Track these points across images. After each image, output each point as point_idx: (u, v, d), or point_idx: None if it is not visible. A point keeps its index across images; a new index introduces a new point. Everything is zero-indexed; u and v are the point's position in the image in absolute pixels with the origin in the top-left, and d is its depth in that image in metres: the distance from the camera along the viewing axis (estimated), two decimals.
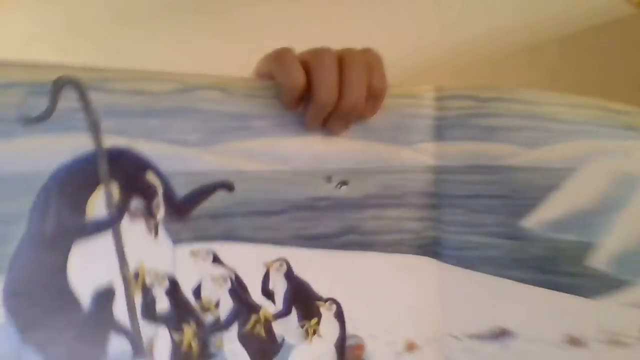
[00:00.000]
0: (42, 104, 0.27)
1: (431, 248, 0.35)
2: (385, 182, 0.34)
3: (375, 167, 0.34)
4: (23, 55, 0.53)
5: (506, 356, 0.35)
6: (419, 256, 0.34)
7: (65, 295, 0.28)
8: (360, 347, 0.32)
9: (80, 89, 0.27)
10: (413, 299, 0.34)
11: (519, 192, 0.36)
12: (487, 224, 0.35)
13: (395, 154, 0.34)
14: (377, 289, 0.33)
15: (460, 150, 0.35)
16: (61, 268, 0.28)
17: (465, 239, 0.35)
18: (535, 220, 0.35)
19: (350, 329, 0.32)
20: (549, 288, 0.35)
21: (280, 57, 0.31)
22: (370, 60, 0.32)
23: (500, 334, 0.35)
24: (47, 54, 0.54)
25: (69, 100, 0.27)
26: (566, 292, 0.35)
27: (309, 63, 0.31)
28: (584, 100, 0.37)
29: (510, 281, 0.35)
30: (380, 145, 0.34)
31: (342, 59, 0.31)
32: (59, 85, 0.27)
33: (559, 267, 0.35)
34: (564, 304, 0.35)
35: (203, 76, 0.30)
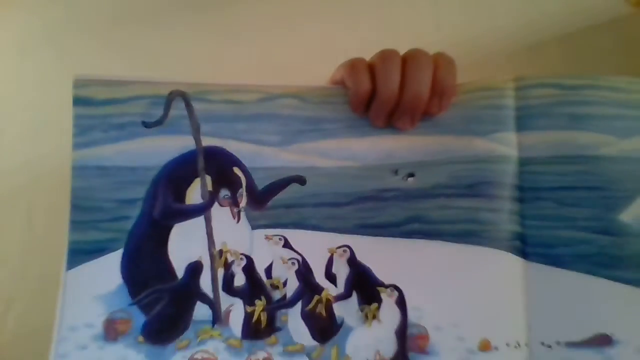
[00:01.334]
0: (158, 112, 0.35)
1: (514, 244, 0.33)
2: (455, 173, 0.34)
3: (444, 158, 0.34)
4: (20, 54, 0.58)
5: None
6: (497, 250, 0.33)
7: (164, 267, 0.34)
8: (423, 337, 0.31)
9: (186, 100, 0.35)
10: (489, 295, 0.32)
11: (614, 184, 0.32)
12: (579, 217, 0.33)
13: (468, 144, 0.34)
14: (444, 280, 0.32)
15: (545, 140, 0.34)
16: (163, 244, 0.34)
17: (554, 234, 0.33)
18: (634, 214, 0.32)
19: (412, 317, 0.32)
20: None
21: (350, 64, 0.35)
22: (436, 60, 0.35)
23: (601, 342, 0.31)
24: (45, 54, 0.59)
25: (178, 109, 0.35)
26: None
27: (374, 65, 0.35)
28: None
29: (610, 281, 0.31)
30: (452, 138, 0.34)
31: (406, 57, 0.34)
32: (171, 98, 0.35)
33: None
34: None
35: (282, 87, 0.36)
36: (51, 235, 0.54)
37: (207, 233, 0.34)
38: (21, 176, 0.57)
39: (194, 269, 0.34)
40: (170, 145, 0.35)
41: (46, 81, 0.59)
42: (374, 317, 0.32)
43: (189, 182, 0.35)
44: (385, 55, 0.34)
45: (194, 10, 0.60)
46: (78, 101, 0.35)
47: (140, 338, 0.32)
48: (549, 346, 0.31)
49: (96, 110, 0.35)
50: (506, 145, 0.34)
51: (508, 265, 0.33)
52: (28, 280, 0.54)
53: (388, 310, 0.32)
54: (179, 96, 0.35)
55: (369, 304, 0.33)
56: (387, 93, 0.33)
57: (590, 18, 0.55)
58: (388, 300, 0.32)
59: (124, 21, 0.60)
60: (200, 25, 0.59)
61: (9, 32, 0.62)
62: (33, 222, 0.56)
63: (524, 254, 0.33)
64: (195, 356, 0.32)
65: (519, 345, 0.31)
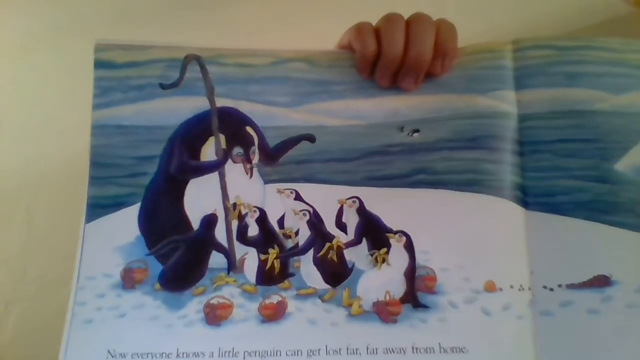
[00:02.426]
0: (174, 74, 0.37)
1: (515, 194, 0.35)
2: (457, 127, 0.36)
3: (447, 114, 0.36)
4: (20, 54, 0.57)
5: (609, 306, 0.32)
6: (499, 198, 0.35)
7: (180, 219, 0.36)
8: (431, 278, 0.33)
9: (201, 63, 0.37)
10: (493, 240, 0.34)
11: (608, 136, 0.35)
12: (575, 167, 0.34)
13: (470, 101, 0.36)
14: (449, 225, 0.34)
15: (543, 97, 0.36)
16: (179, 198, 0.36)
17: (553, 183, 0.35)
18: (627, 164, 0.34)
19: (420, 260, 0.34)
20: None
21: (357, 28, 0.37)
22: (439, 24, 0.37)
23: (600, 283, 0.32)
24: (45, 54, 0.60)
25: (193, 72, 0.37)
26: None
27: (380, 28, 0.37)
28: None
29: (607, 226, 0.33)
30: (454, 96, 0.36)
31: (409, 21, 0.36)
32: (186, 61, 0.37)
33: None
34: None
35: (293, 51, 0.38)
36: (51, 235, 0.55)
37: (221, 187, 0.36)
38: (21, 176, 0.58)
39: (209, 220, 0.35)
40: (185, 106, 0.37)
41: (46, 81, 0.60)
42: (384, 260, 0.34)
43: (203, 140, 0.37)
44: (390, 18, 0.36)
45: (193, 10, 0.62)
46: (99, 64, 0.37)
47: (157, 286, 0.34)
48: (551, 289, 0.33)
49: (116, 72, 0.37)
50: (506, 102, 0.36)
51: (510, 213, 0.34)
52: (28, 280, 0.54)
53: (397, 254, 0.34)
54: (194, 60, 0.37)
55: (379, 249, 0.34)
56: (391, 53, 0.35)
57: (589, 18, 0.57)
58: (396, 245, 0.34)
59: (124, 21, 0.61)
60: (200, 25, 0.61)
61: (9, 32, 0.63)
62: (33, 222, 0.56)
63: (525, 203, 0.35)
64: (211, 301, 0.33)
65: (522, 288, 0.33)
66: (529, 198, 0.35)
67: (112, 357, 0.32)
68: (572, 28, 0.56)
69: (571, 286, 0.33)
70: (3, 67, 0.61)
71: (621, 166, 0.34)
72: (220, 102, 0.37)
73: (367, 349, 0.32)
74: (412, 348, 0.32)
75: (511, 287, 0.33)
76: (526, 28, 0.57)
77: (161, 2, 0.62)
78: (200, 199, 0.36)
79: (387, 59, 0.36)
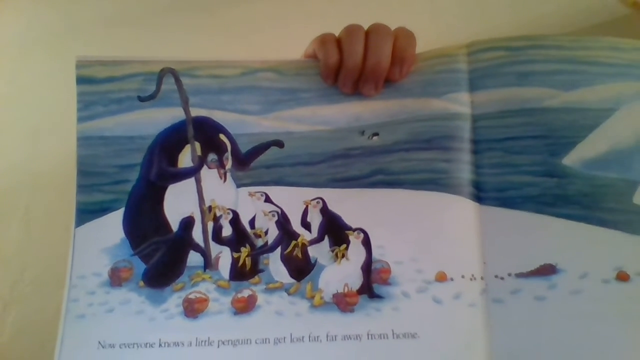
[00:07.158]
0: (151, 87, 0.41)
1: (469, 190, 0.38)
2: (414, 130, 0.40)
3: (404, 118, 0.40)
4: (20, 54, 0.60)
5: (554, 293, 0.36)
6: (453, 195, 0.39)
7: (160, 222, 0.40)
8: (385, 271, 0.37)
9: (175, 75, 0.41)
10: (446, 234, 0.38)
11: (557, 132, 0.38)
12: (526, 163, 0.38)
13: (425, 104, 0.40)
14: (404, 222, 0.38)
15: (495, 97, 0.39)
16: (159, 203, 0.41)
17: (504, 179, 0.38)
18: (575, 158, 0.37)
19: (376, 254, 0.38)
20: (593, 224, 0.36)
21: (321, 39, 0.41)
22: (397, 32, 0.41)
23: (546, 271, 0.36)
24: (45, 54, 0.63)
25: (168, 84, 0.41)
26: (612, 229, 0.35)
27: (341, 39, 0.41)
28: (625, 43, 0.39)
29: (554, 217, 0.37)
30: (411, 100, 0.40)
31: (369, 31, 0.40)
32: (162, 74, 0.41)
33: (602, 203, 0.36)
34: (611, 239, 0.35)
35: (261, 61, 0.42)
36: (49, 236, 0.57)
37: (198, 192, 0.41)
38: (19, 177, 0.61)
39: (187, 223, 0.40)
40: (162, 117, 0.41)
41: (46, 81, 0.63)
42: (343, 256, 0.38)
43: (180, 148, 0.41)
44: (350, 30, 0.40)
45: (191, 12, 0.65)
46: (81, 80, 0.41)
47: (141, 283, 0.39)
48: (502, 278, 0.37)
49: (97, 87, 0.41)
50: (460, 104, 0.40)
51: (463, 208, 0.38)
52: (26, 281, 0.57)
53: (355, 249, 0.38)
54: (169, 73, 0.42)
55: (339, 245, 0.39)
56: (351, 63, 0.39)
57: (586, 19, 0.59)
58: (355, 241, 0.38)
59: (123, 22, 0.65)
60: (198, 26, 0.64)
61: (9, 32, 0.66)
62: (31, 222, 0.59)
63: (479, 198, 0.38)
64: (190, 296, 0.38)
65: (474, 277, 0.37)
66: (483, 193, 0.39)
67: (103, 347, 0.37)
68: (569, 30, 0.58)
69: (520, 275, 0.37)
70: (1, 69, 0.64)
71: (569, 160, 0.38)
72: (195, 112, 0.41)
73: (327, 336, 0.36)
74: (368, 334, 0.36)
75: (462, 277, 0.37)
76: (523, 30, 0.59)
77: (158, 4, 0.66)
78: (178, 203, 0.40)
79: (347, 68, 0.40)
